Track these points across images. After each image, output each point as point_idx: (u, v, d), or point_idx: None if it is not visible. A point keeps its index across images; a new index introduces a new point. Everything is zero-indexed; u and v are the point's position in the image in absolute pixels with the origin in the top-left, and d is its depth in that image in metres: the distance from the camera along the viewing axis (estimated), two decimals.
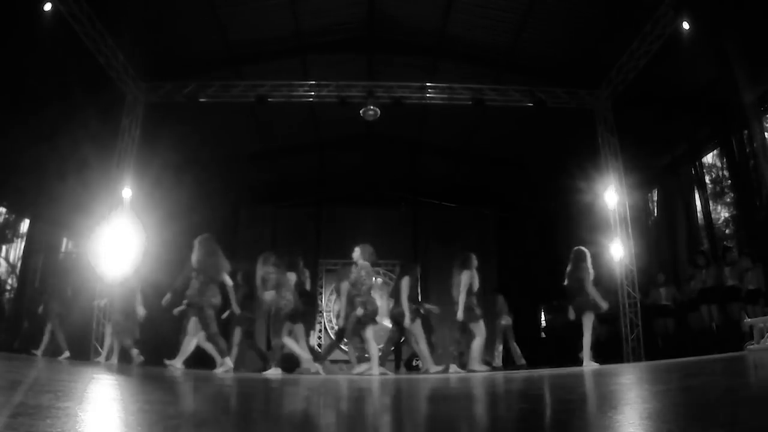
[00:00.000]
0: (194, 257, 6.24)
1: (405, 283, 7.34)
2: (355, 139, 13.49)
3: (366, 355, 7.58)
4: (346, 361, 13.62)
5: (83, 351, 8.38)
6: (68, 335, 8.26)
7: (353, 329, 6.78)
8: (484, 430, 1.71)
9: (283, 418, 2.09)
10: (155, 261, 8.14)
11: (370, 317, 6.62)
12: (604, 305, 6.83)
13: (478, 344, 6.99)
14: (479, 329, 7.01)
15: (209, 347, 6.57)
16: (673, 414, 1.64)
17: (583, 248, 7.23)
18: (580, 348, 6.80)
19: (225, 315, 7.27)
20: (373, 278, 6.78)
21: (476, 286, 7.37)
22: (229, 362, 6.13)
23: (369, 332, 6.65)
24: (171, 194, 10.56)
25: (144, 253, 8.07)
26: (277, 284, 6.60)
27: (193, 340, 6.77)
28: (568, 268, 7.13)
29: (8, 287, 9.94)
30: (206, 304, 6.01)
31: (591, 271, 6.96)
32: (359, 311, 6.53)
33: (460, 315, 6.93)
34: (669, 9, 7.76)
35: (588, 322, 6.72)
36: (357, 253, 6.99)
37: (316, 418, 2.18)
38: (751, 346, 6.54)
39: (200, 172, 12.14)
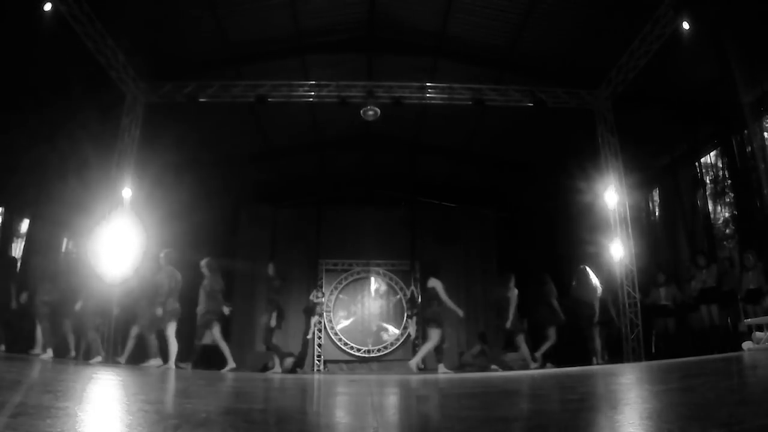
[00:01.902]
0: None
1: (439, 285, 7.74)
2: (355, 139, 13.48)
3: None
4: (348, 361, 13.68)
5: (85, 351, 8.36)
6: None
7: (149, 326, 7.38)
8: (482, 429, 1.71)
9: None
10: (155, 261, 8.13)
11: (171, 316, 7.37)
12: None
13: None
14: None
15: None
16: (673, 414, 1.64)
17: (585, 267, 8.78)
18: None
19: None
20: (177, 282, 7.60)
21: None
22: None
23: (170, 329, 7.36)
24: (171, 194, 10.56)
25: (144, 253, 8.08)
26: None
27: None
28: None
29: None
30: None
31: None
32: (159, 311, 7.25)
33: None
34: (669, 9, 7.75)
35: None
36: (161, 258, 7.75)
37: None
38: (750, 346, 6.55)
39: (200, 172, 12.14)
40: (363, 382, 5.07)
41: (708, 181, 10.17)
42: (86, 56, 8.12)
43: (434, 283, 7.86)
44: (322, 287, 13.67)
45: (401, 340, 13.95)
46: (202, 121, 10.59)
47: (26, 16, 7.07)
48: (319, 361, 13.65)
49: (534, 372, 7.04)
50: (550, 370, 7.26)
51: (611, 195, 9.64)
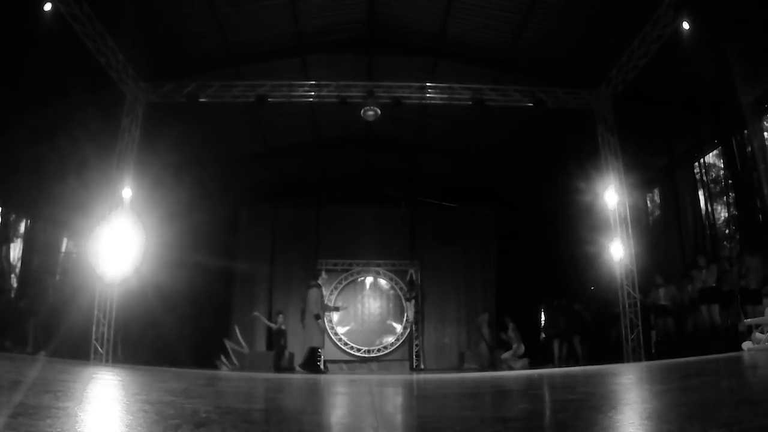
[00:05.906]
0: None
1: None
2: (355, 139, 13.47)
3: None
4: (348, 361, 13.68)
5: (84, 351, 8.36)
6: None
7: None
8: (483, 430, 1.71)
9: None
10: (155, 261, 8.14)
11: None
12: None
13: None
14: None
15: None
16: (673, 414, 1.64)
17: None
18: None
19: None
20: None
21: None
22: None
23: None
24: (171, 194, 10.55)
25: (144, 253, 8.09)
26: None
27: None
28: None
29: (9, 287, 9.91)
30: None
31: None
32: None
33: None
34: (669, 9, 7.75)
35: None
36: None
37: None
38: (750, 346, 6.55)
39: (200, 172, 12.14)
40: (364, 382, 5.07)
41: (708, 181, 10.17)
42: (86, 56, 8.11)
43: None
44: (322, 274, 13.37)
45: (401, 340, 13.95)
46: (202, 121, 10.58)
47: (26, 15, 7.07)
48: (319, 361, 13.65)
49: (534, 372, 7.04)
50: (550, 370, 7.27)
51: (611, 195, 9.63)
